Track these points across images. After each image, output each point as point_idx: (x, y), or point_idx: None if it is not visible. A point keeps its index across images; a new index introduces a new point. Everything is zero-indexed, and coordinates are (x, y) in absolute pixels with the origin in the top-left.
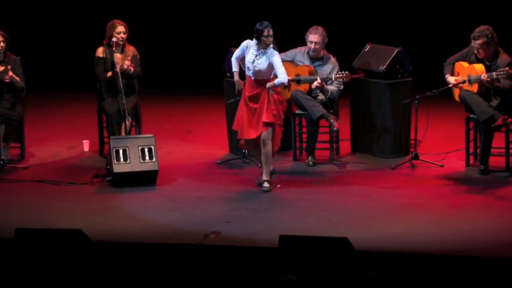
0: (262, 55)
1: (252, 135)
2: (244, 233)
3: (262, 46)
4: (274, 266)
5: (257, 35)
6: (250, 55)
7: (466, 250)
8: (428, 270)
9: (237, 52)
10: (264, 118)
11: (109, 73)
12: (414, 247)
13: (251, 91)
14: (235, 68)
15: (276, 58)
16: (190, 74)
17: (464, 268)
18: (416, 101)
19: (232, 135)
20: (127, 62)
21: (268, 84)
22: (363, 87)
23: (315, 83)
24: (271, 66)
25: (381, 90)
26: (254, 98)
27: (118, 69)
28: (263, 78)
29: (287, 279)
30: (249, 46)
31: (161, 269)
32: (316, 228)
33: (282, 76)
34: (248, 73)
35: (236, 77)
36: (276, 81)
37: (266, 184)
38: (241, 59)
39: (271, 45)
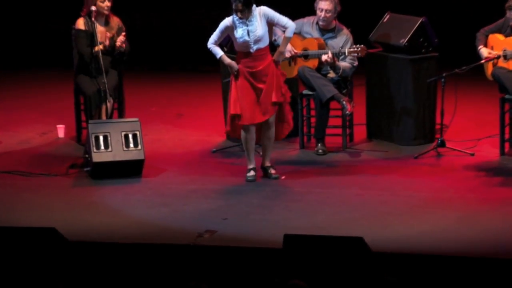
0: (251, 21)
1: (260, 118)
2: (243, 231)
3: (243, 16)
4: (278, 270)
5: (232, 8)
6: (240, 30)
7: (500, 252)
8: (455, 274)
9: (213, 38)
10: (274, 98)
11: (99, 47)
12: (439, 249)
13: (253, 67)
14: (219, 52)
15: (267, 11)
16: (181, 48)
17: (497, 273)
18: (442, 80)
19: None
20: (121, 38)
21: (278, 51)
22: (381, 64)
23: (325, 58)
24: (267, 25)
25: (402, 67)
26: (259, 76)
27: (103, 45)
28: (264, 45)
29: (293, 285)
30: (231, 25)
31: (148, 274)
32: (327, 226)
33: (288, 23)
34: (250, 48)
35: (226, 60)
36: (286, 34)
37: (273, 171)
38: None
39: (253, 7)
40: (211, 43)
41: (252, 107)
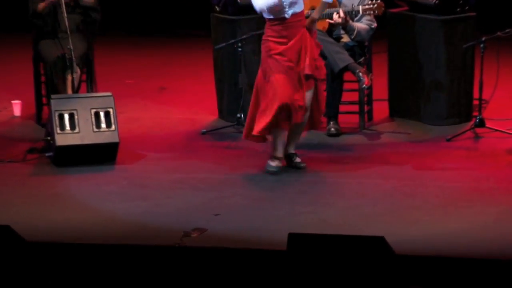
0: None
1: (300, 101)
2: (239, 230)
3: None
4: (281, 276)
5: None
6: None
7: None
8: (494, 281)
9: None
10: (307, 69)
11: (44, 3)
12: (477, 251)
13: (288, 37)
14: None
15: None
16: (163, 8)
17: None
18: (481, 45)
19: (224, 95)
20: None
21: (312, 18)
22: (407, 26)
23: (336, 17)
24: None
25: (432, 30)
26: (290, 51)
27: None
28: (300, 9)
29: None
30: None
31: (124, 281)
32: (340, 224)
33: None
34: (284, 13)
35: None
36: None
37: (299, 159)
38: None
39: None
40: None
41: (293, 91)
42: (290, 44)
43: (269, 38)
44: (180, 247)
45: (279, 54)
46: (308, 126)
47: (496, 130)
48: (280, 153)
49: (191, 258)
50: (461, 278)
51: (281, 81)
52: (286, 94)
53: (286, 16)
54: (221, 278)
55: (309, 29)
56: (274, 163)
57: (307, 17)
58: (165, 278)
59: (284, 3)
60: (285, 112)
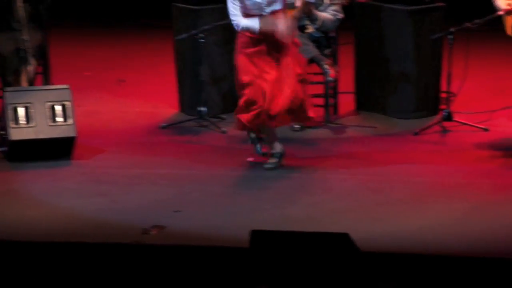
0: None
1: (283, 101)
2: (200, 227)
3: None
4: (243, 274)
5: None
6: None
7: None
8: (462, 278)
9: (234, 9)
10: (298, 69)
11: None
12: (444, 247)
13: (263, 37)
14: (252, 23)
15: None
16: None
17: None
18: (450, 37)
19: (185, 88)
20: None
21: (292, 16)
22: (374, 16)
23: (299, 4)
24: None
25: (400, 21)
26: (273, 49)
27: None
28: (279, 7)
29: None
30: None
31: (80, 279)
32: (304, 220)
33: None
34: (262, 10)
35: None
36: None
37: (273, 160)
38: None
39: None
40: (236, 17)
41: (273, 91)
42: (266, 44)
43: (246, 34)
44: (139, 244)
45: (253, 53)
46: (300, 120)
47: (464, 124)
48: (276, 148)
49: (150, 256)
50: (427, 275)
51: (251, 81)
52: (259, 93)
53: (264, 13)
54: (181, 277)
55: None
56: (271, 160)
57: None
58: (123, 277)
59: (263, 1)
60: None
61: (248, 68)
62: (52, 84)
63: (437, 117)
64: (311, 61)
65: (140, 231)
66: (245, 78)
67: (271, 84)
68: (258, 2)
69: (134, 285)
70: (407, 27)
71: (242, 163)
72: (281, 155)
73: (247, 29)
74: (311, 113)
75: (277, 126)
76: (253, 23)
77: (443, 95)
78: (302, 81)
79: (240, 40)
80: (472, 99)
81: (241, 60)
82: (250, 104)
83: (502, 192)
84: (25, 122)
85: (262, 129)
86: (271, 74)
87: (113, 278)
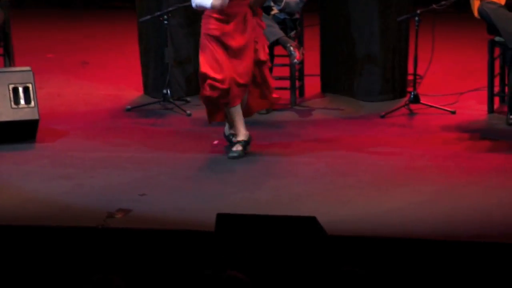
0: None
1: (241, 79)
2: (166, 210)
3: None
4: (209, 259)
5: None
6: None
7: (484, 235)
8: (429, 261)
9: None
10: (262, 55)
11: None
12: (411, 230)
13: (228, 18)
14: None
15: None
16: None
17: (479, 258)
18: (416, 18)
19: (149, 70)
20: None
21: None
22: None
23: None
24: None
25: (366, 2)
26: (235, 32)
27: None
28: None
29: (229, 277)
30: None
31: (43, 263)
32: (270, 203)
33: None
34: None
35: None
36: None
37: (238, 147)
38: None
39: None
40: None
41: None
42: (231, 24)
43: (212, 14)
44: (103, 228)
45: (219, 36)
46: (264, 104)
47: (431, 106)
48: (241, 135)
49: (115, 240)
50: (394, 258)
51: (216, 61)
52: (227, 74)
53: None
54: (147, 261)
55: (253, 9)
56: (235, 148)
57: None
58: (87, 261)
59: None
60: (230, 91)
61: (211, 54)
62: (14, 66)
63: (404, 100)
64: (277, 43)
65: (105, 215)
66: (205, 67)
67: (231, 64)
68: None
69: (99, 269)
70: (373, 8)
71: (207, 146)
72: (246, 143)
73: (200, 6)
74: (274, 96)
75: (249, 114)
76: (205, 0)
77: (410, 77)
78: (261, 65)
79: (203, 21)
80: (439, 81)
81: (203, 43)
82: (209, 78)
83: (468, 175)
84: None
85: (227, 113)
86: (231, 53)
87: (77, 262)
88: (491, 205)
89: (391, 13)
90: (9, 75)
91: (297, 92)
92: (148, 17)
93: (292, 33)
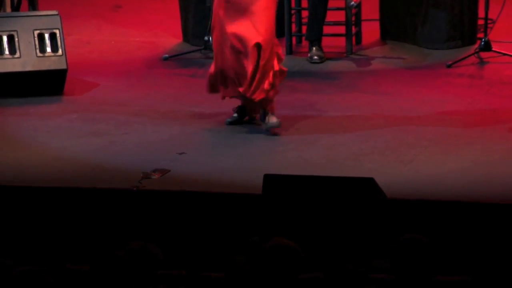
0: None
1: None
2: (207, 171)
3: None
4: (255, 224)
5: None
6: None
7: None
8: (497, 225)
9: None
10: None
11: None
12: (478, 193)
13: None
14: None
15: None
16: None
17: None
18: None
19: (189, 15)
20: None
21: None
22: None
23: None
24: None
25: None
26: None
27: None
28: None
29: (277, 245)
30: None
31: (73, 228)
32: (324, 163)
33: None
34: None
35: None
36: None
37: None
38: None
39: None
40: None
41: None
42: None
43: None
44: (138, 190)
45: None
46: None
47: (504, 54)
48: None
49: (152, 203)
50: (461, 224)
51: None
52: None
53: None
54: (186, 227)
55: None
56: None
57: None
58: (121, 227)
59: None
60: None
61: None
62: (40, 9)
63: (474, 47)
64: None
65: (140, 176)
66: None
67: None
68: None
69: (134, 236)
70: None
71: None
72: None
73: None
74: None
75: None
76: None
77: (480, 22)
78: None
79: None
80: None
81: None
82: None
83: None
84: (9, 53)
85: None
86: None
87: (110, 228)
88: None
89: None
90: (34, 20)
91: (354, 39)
92: None
93: None
